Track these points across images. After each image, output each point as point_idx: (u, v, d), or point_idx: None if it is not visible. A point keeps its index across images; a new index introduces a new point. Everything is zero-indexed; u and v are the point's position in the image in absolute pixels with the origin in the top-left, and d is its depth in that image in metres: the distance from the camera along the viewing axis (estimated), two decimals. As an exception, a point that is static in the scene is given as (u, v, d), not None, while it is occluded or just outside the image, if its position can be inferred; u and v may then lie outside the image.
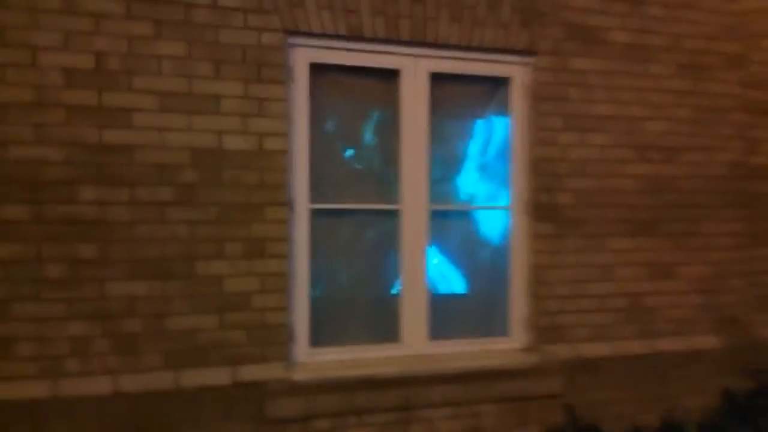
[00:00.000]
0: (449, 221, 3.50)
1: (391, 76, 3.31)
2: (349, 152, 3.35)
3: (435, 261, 3.44)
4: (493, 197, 3.55)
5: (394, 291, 3.35)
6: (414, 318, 3.32)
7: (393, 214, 3.34)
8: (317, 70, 3.19)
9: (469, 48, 3.35)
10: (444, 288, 3.50)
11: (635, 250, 3.63)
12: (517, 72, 3.47)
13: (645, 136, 3.64)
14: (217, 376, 2.90)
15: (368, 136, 3.36)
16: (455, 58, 3.36)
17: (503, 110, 3.52)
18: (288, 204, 3.07)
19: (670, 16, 3.64)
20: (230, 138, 2.96)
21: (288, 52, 3.09)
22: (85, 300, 2.77)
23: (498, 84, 3.51)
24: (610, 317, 3.58)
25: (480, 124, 3.54)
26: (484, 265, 3.55)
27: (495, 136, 3.55)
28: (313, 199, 3.18)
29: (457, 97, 3.48)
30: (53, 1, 2.74)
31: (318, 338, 3.21)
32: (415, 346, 3.32)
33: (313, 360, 3.14)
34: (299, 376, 3.01)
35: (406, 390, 3.15)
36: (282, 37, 3.03)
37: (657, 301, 3.67)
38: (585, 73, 3.51)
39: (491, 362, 3.33)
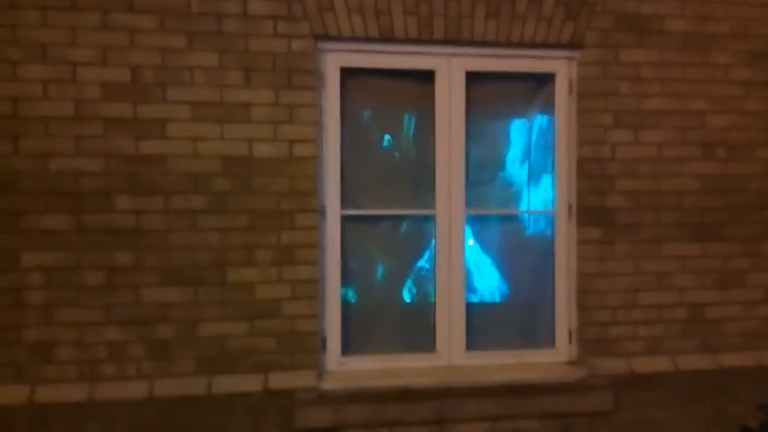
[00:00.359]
0: (488, 226, 3.36)
1: (425, 77, 3.20)
2: (383, 156, 3.27)
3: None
4: (536, 200, 3.37)
5: (429, 299, 3.25)
6: (450, 327, 3.20)
7: (428, 220, 3.24)
8: (349, 74, 3.14)
9: (508, 44, 3.18)
10: (483, 296, 3.36)
11: (697, 256, 3.33)
12: (561, 67, 3.27)
13: (708, 132, 3.33)
14: (247, 383, 2.92)
15: (402, 139, 3.27)
16: (493, 56, 3.21)
17: (547, 108, 3.33)
18: (318, 210, 3.04)
19: (735, 0, 3.31)
20: (260, 145, 2.96)
21: (318, 57, 3.06)
22: (122, 306, 2.86)
23: (541, 81, 3.31)
24: (668, 329, 3.30)
25: (522, 124, 3.37)
26: (526, 273, 3.36)
27: (538, 136, 3.36)
28: (345, 205, 3.13)
29: (497, 97, 3.32)
30: (91, 18, 2.84)
31: (350, 346, 3.17)
32: (450, 356, 3.20)
33: (345, 369, 3.10)
34: (329, 385, 2.98)
35: (441, 402, 3.05)
36: (312, 43, 3.00)
37: (722, 312, 3.35)
38: (638, 66, 3.25)
39: (533, 375, 3.16)
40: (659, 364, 3.27)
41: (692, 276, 3.32)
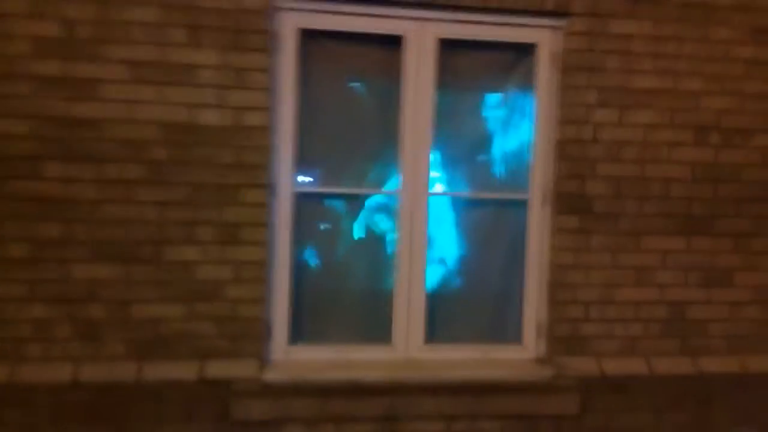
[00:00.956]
0: (456, 210, 3.10)
1: (393, 43, 2.91)
2: (345, 128, 2.98)
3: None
4: (510, 184, 3.09)
5: (387, 285, 3.00)
6: (408, 318, 2.96)
7: (391, 200, 2.98)
8: (308, 36, 2.86)
9: (485, 10, 2.88)
10: (446, 285, 3.10)
11: (682, 251, 3.06)
12: (544, 37, 2.97)
13: (703, 115, 3.03)
14: (182, 371, 2.69)
15: (365, 111, 2.98)
16: (469, 22, 2.91)
17: (527, 83, 3.04)
18: (268, 186, 2.79)
19: (742, -31, 2.98)
20: (204, 112, 2.70)
21: (273, 16, 2.77)
22: (48, 282, 2.64)
23: (521, 52, 3.02)
24: (646, 329, 3.05)
25: (498, 99, 3.08)
26: (495, 262, 3.11)
27: (515, 113, 3.07)
28: (298, 181, 2.88)
29: (471, 68, 3.03)
30: (23, -35, 2.57)
31: (299, 335, 2.94)
32: (408, 348, 2.97)
33: (291, 358, 2.88)
34: (271, 375, 2.76)
35: (393, 399, 2.83)
36: (266, 0, 2.72)
37: (706, 313, 3.09)
38: (628, 39, 2.95)
39: (496, 373, 2.93)
40: (633, 366, 3.02)
41: (675, 272, 3.06)
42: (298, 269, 2.94)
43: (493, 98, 3.08)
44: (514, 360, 3.04)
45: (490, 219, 3.12)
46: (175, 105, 2.68)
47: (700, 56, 2.99)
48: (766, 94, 3.05)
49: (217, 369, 2.72)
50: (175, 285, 2.71)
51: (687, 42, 2.98)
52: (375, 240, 3.02)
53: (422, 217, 2.95)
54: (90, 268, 2.66)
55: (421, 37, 2.89)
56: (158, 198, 2.69)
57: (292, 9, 2.79)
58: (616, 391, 3.00)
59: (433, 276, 3.05)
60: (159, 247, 2.70)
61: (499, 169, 3.10)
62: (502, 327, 3.12)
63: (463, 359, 2.99)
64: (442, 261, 3.10)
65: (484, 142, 3.09)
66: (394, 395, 2.83)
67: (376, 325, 3.00)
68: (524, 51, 3.01)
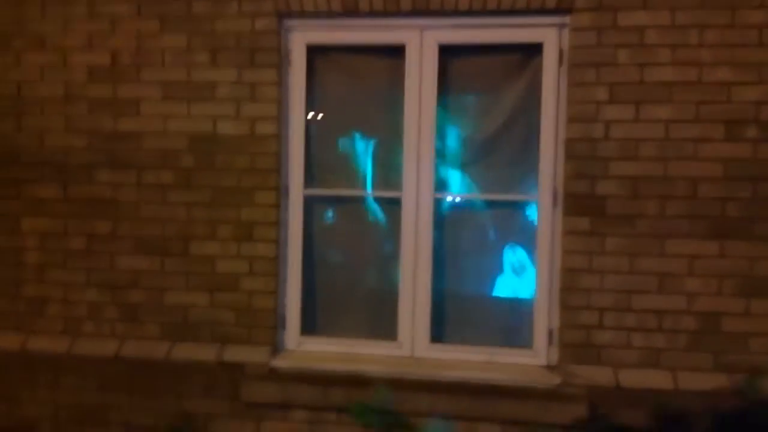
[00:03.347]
0: (465, 213, 3.12)
1: (395, 52, 3.03)
2: (353, 135, 3.16)
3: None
4: (518, 186, 3.04)
5: (396, 285, 3.10)
6: (413, 317, 3.04)
7: (396, 202, 3.09)
8: (316, 51, 3.09)
9: (484, 13, 2.90)
10: (455, 286, 3.12)
11: (715, 256, 2.80)
12: (549, 36, 2.90)
13: (736, 108, 2.76)
14: (203, 353, 3.03)
15: (371, 118, 3.13)
16: (469, 27, 2.95)
17: (533, 82, 2.99)
18: (280, 189, 3.05)
19: (775, -57, 2.68)
20: (223, 123, 3.04)
21: (283, 35, 3.04)
22: (100, 270, 3.13)
23: (528, 51, 2.98)
24: (671, 340, 2.83)
25: (503, 100, 3.05)
26: (504, 264, 3.08)
27: (522, 113, 3.02)
28: (309, 184, 3.10)
29: (475, 71, 3.06)
30: (80, 8, 3.10)
31: (313, 327, 3.16)
32: (413, 347, 3.04)
33: (302, 348, 3.09)
34: (280, 362, 2.99)
35: (393, 393, 2.92)
36: (275, 21, 2.99)
37: (744, 325, 2.79)
38: (641, 30, 2.79)
39: (498, 376, 2.89)
40: (657, 379, 2.82)
41: (706, 279, 2.80)
42: (311, 266, 3.16)
43: (501, 99, 3.05)
44: (522, 365, 2.98)
45: (501, 221, 3.10)
46: (199, 118, 3.05)
47: (729, 44, 2.73)
48: (816, 81, 2.70)
49: (233, 353, 3.02)
50: (200, 276, 3.07)
51: (711, 30, 2.74)
52: (384, 240, 3.14)
53: (426, 219, 3.02)
54: (132, 259, 3.11)
55: (422, 44, 2.98)
56: (186, 200, 3.07)
57: (299, 27, 3.04)
58: (631, 405, 2.81)
59: (441, 278, 3.09)
60: (187, 243, 3.08)
61: (507, 171, 3.06)
62: (513, 331, 3.07)
63: (467, 360, 3.00)
64: (450, 263, 3.13)
65: (493, 143, 3.07)
66: (394, 390, 2.92)
67: (385, 323, 3.11)
68: (531, 50, 2.97)
